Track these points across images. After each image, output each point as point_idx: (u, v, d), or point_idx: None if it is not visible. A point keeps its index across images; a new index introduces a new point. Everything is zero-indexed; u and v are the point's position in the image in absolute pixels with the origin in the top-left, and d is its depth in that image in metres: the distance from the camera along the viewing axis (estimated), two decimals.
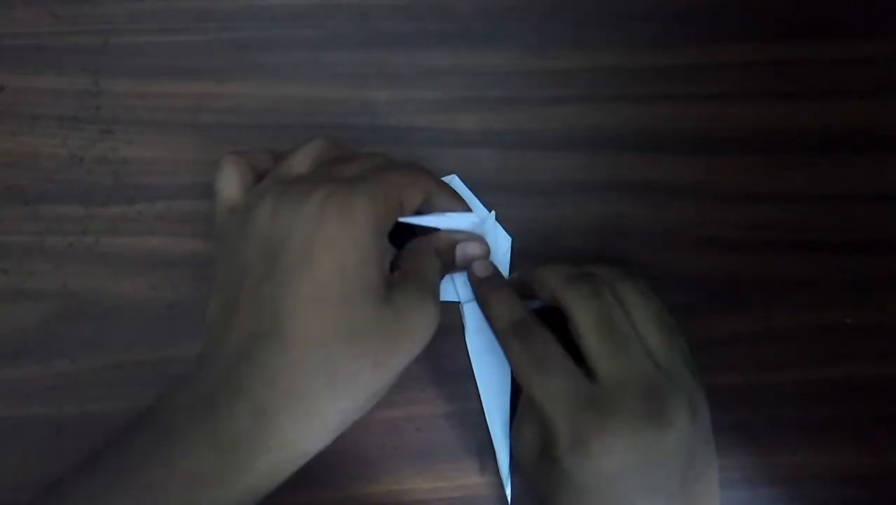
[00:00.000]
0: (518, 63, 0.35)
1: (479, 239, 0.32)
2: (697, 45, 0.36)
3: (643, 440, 0.25)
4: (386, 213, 0.26)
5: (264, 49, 0.35)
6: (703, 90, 0.35)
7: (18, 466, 0.32)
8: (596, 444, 0.25)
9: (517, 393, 0.31)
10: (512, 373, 0.31)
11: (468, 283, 0.32)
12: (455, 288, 0.33)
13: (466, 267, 0.32)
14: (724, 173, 0.35)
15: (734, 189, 0.35)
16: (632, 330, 0.27)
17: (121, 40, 0.35)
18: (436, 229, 0.31)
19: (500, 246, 0.33)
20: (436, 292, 0.28)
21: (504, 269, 0.33)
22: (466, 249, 0.31)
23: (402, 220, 0.28)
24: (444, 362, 0.33)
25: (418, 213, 0.30)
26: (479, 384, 0.32)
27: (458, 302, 0.33)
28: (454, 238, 0.31)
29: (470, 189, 0.34)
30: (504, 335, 0.29)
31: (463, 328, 0.33)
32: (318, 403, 0.24)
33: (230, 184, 0.28)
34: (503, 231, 0.34)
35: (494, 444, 0.32)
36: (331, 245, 0.24)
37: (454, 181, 0.34)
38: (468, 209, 0.31)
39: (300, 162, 0.28)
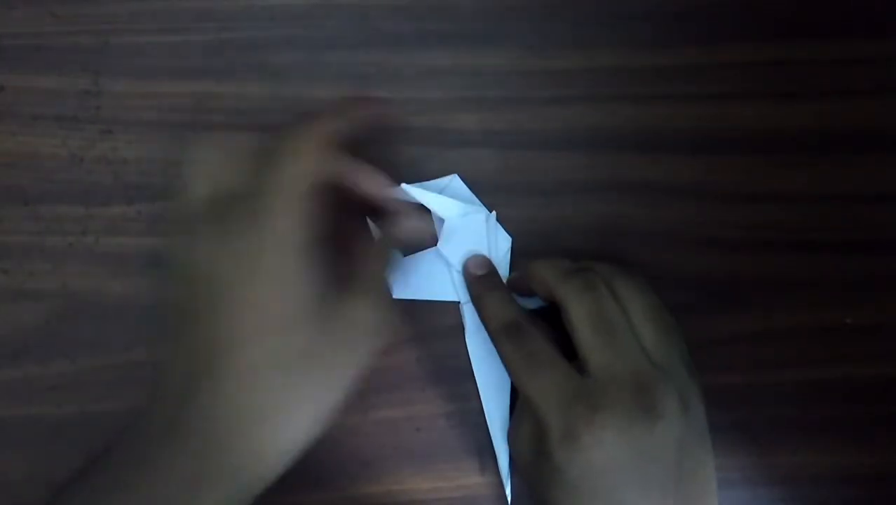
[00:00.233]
0: (518, 63, 0.35)
1: (420, 216, 0.31)
2: (697, 45, 0.36)
3: (633, 433, 0.25)
4: (307, 207, 0.25)
5: (264, 49, 0.35)
6: (703, 90, 0.35)
7: (18, 466, 0.32)
8: (586, 437, 0.25)
9: (517, 393, 0.31)
10: None
11: None
12: (455, 288, 0.33)
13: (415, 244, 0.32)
14: (724, 173, 0.35)
15: (734, 189, 0.35)
16: (626, 323, 0.27)
17: (121, 40, 0.35)
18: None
19: (501, 246, 0.33)
20: (387, 293, 0.28)
21: (504, 269, 0.33)
22: (406, 226, 0.30)
23: (404, 187, 0.30)
24: (444, 362, 0.33)
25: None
26: (479, 384, 0.32)
27: (458, 302, 0.33)
28: (402, 222, 0.30)
29: (470, 189, 0.34)
30: (496, 335, 0.29)
31: (463, 328, 0.33)
32: (271, 430, 0.24)
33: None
34: (503, 231, 0.34)
35: (494, 444, 0.32)
36: (251, 274, 0.24)
37: (454, 181, 0.34)
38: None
39: (196, 189, 0.26)
